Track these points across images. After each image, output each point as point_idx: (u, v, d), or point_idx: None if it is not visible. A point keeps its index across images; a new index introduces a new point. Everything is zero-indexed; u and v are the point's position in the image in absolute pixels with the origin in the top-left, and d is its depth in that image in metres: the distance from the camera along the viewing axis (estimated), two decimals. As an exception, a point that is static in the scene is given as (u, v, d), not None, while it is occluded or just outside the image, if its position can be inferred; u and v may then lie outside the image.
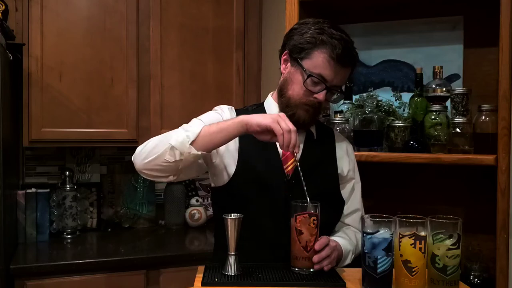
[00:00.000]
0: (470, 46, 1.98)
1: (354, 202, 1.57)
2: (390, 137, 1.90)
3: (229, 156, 1.44)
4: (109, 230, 2.69)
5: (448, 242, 1.16)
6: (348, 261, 1.46)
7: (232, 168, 1.44)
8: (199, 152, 1.30)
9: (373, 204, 1.79)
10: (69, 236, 2.52)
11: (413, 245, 1.17)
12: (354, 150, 1.69)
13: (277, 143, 1.32)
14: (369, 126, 1.88)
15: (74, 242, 2.47)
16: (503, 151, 1.62)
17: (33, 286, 2.07)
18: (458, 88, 1.88)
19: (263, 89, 2.78)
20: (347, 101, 2.06)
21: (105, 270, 2.17)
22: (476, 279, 1.81)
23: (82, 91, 2.43)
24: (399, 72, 2.12)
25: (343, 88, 1.61)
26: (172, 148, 1.30)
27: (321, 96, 1.39)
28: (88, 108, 2.44)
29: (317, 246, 1.29)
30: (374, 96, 1.94)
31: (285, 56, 1.47)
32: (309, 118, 1.44)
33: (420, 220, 1.18)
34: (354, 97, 2.07)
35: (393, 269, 1.20)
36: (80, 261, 2.14)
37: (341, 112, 2.00)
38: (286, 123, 1.25)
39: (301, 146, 1.49)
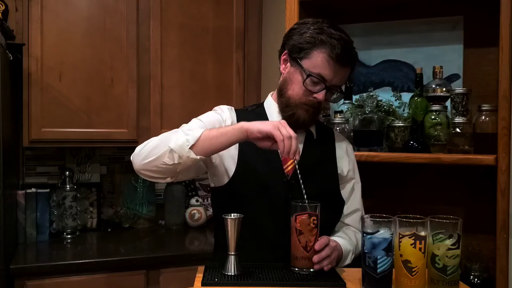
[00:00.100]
0: (470, 46, 1.98)
1: (354, 202, 1.57)
2: (390, 137, 1.90)
3: (229, 156, 1.44)
4: (109, 230, 2.69)
5: (448, 242, 1.16)
6: (348, 261, 1.46)
7: (232, 169, 1.43)
8: (198, 157, 1.30)
9: (373, 204, 1.79)
10: (69, 236, 2.52)
11: (413, 245, 1.17)
12: (354, 150, 1.69)
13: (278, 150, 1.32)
14: (369, 126, 1.88)
15: (74, 242, 2.47)
16: (503, 151, 1.62)
17: (33, 286, 2.07)
18: (458, 88, 1.88)
19: (263, 89, 2.78)
20: (347, 101, 2.06)
21: (105, 270, 2.17)
22: (476, 279, 1.81)
23: (82, 91, 2.43)
24: (399, 72, 2.12)
25: (343, 88, 1.61)
26: (171, 151, 1.29)
27: (320, 96, 1.39)
28: (88, 108, 2.44)
29: (317, 246, 1.29)
30: (374, 96, 1.94)
31: (284, 56, 1.47)
32: (309, 118, 1.44)
33: (420, 220, 1.18)
34: (354, 97, 2.07)
35: (393, 269, 1.20)
36: (80, 261, 2.14)
37: (341, 112, 2.00)
38: (286, 130, 1.25)
39: (301, 146, 1.49)
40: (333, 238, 1.43)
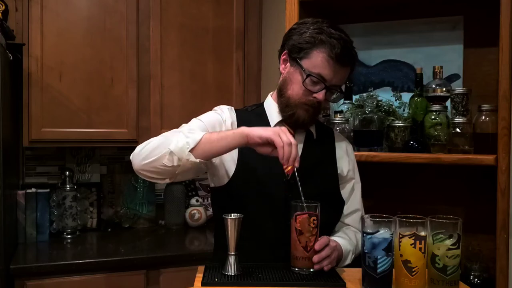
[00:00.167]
0: (470, 46, 1.98)
1: (354, 202, 1.57)
2: (390, 137, 1.90)
3: (229, 156, 1.44)
4: (109, 230, 2.69)
5: (448, 242, 1.16)
6: (348, 261, 1.46)
7: (232, 169, 1.43)
8: (198, 160, 1.30)
9: (373, 204, 1.79)
10: (69, 236, 2.52)
11: (413, 245, 1.17)
12: (354, 150, 1.69)
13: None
14: (369, 126, 1.88)
15: (74, 242, 2.47)
16: (503, 151, 1.62)
17: (33, 286, 2.07)
18: (458, 88, 1.88)
19: (263, 89, 2.78)
20: (347, 101, 2.07)
21: (105, 270, 2.17)
22: (476, 279, 1.81)
23: (82, 91, 2.43)
24: (399, 72, 2.12)
25: (343, 87, 1.61)
26: (171, 153, 1.29)
27: (320, 95, 1.39)
28: (88, 108, 2.44)
29: (317, 246, 1.29)
30: (374, 96, 1.94)
31: (284, 56, 1.47)
32: (309, 117, 1.44)
33: (420, 220, 1.18)
34: (354, 97, 2.07)
35: (393, 269, 1.20)
36: (80, 261, 2.14)
37: (341, 112, 2.00)
38: (287, 136, 1.25)
39: (301, 146, 1.49)
40: (333, 238, 1.43)
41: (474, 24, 1.96)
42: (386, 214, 1.20)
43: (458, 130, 1.78)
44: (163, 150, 1.30)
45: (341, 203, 1.53)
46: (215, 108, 1.54)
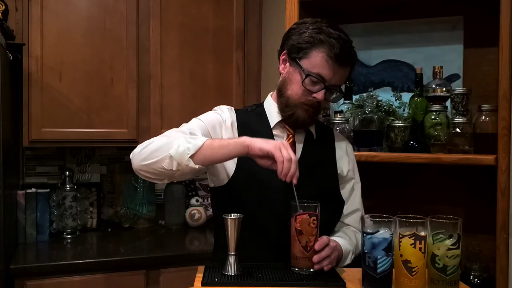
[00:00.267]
0: (470, 46, 1.98)
1: (354, 202, 1.57)
2: (390, 137, 1.90)
3: (229, 156, 1.44)
4: (109, 230, 2.69)
5: (448, 242, 1.16)
6: (348, 261, 1.46)
7: (232, 169, 1.43)
8: (197, 166, 1.30)
9: (373, 204, 1.79)
10: (69, 236, 2.52)
11: (413, 245, 1.17)
12: (354, 150, 1.69)
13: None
14: (369, 126, 1.88)
15: (74, 242, 2.47)
16: (503, 151, 1.62)
17: (33, 286, 2.07)
18: (458, 88, 1.88)
19: (263, 89, 2.78)
20: (347, 101, 2.07)
21: (105, 270, 2.17)
22: (476, 279, 1.81)
23: (82, 91, 2.43)
24: (399, 72, 2.12)
25: (343, 87, 1.61)
26: (171, 157, 1.29)
27: (320, 95, 1.39)
28: (88, 108, 2.44)
29: (317, 246, 1.29)
30: (374, 96, 1.94)
31: (283, 56, 1.47)
32: (309, 117, 1.44)
33: (420, 220, 1.18)
34: (354, 97, 2.07)
35: (393, 269, 1.20)
36: (80, 261, 2.14)
37: (341, 112, 2.00)
38: (288, 152, 1.24)
39: (301, 146, 1.49)
40: (333, 238, 1.43)
41: (474, 24, 1.96)
42: (386, 214, 1.20)
43: (458, 130, 1.78)
44: (163, 153, 1.30)
45: (341, 203, 1.53)
46: (215, 108, 1.54)
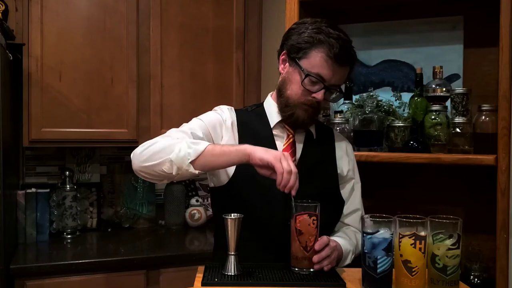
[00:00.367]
0: (470, 46, 1.98)
1: (354, 202, 1.57)
2: (390, 137, 1.90)
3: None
4: (109, 230, 2.69)
5: (448, 242, 1.16)
6: (348, 261, 1.46)
7: (232, 169, 1.43)
8: (197, 171, 1.30)
9: (373, 204, 1.79)
10: (69, 236, 2.52)
11: (413, 245, 1.17)
12: (354, 150, 1.69)
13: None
14: (369, 126, 1.88)
15: (74, 242, 2.47)
16: (503, 151, 1.62)
17: (33, 286, 2.07)
18: (458, 88, 1.88)
19: (263, 89, 2.78)
20: (347, 101, 2.07)
21: (105, 270, 2.17)
22: (476, 279, 1.81)
23: (82, 91, 2.43)
24: (399, 72, 2.12)
25: (343, 87, 1.61)
26: (171, 162, 1.29)
27: (319, 95, 1.39)
28: (88, 108, 2.44)
29: (317, 246, 1.29)
30: (374, 96, 1.94)
31: (283, 56, 1.47)
32: (308, 117, 1.44)
33: (420, 220, 1.18)
34: (354, 97, 2.07)
35: (393, 269, 1.20)
36: (80, 261, 2.14)
37: (341, 112, 2.00)
38: (288, 164, 1.24)
39: (301, 146, 1.49)
40: (333, 238, 1.43)
41: (474, 24, 1.96)
42: (386, 214, 1.20)
43: (458, 130, 1.78)
44: (163, 156, 1.30)
45: (341, 203, 1.53)
46: (215, 108, 1.54)
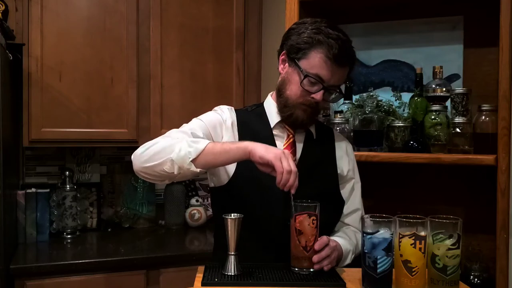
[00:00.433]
0: (470, 46, 1.98)
1: (354, 201, 1.57)
2: (390, 137, 1.90)
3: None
4: (109, 230, 2.69)
5: (448, 242, 1.16)
6: (348, 261, 1.46)
7: (232, 169, 1.43)
8: (198, 170, 1.30)
9: (373, 204, 1.79)
10: (69, 236, 2.52)
11: (413, 245, 1.17)
12: (354, 150, 1.69)
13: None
14: (369, 126, 1.88)
15: (74, 242, 2.47)
16: (503, 151, 1.62)
17: (33, 286, 2.07)
18: (458, 88, 1.88)
19: (263, 89, 2.78)
20: (347, 101, 2.07)
21: (105, 270, 2.17)
22: (476, 279, 1.81)
23: (82, 91, 2.43)
24: (399, 72, 2.12)
25: (343, 87, 1.61)
26: (172, 161, 1.29)
27: (318, 96, 1.39)
28: (88, 108, 2.44)
29: (317, 246, 1.29)
30: (374, 96, 1.94)
31: (283, 56, 1.47)
32: (307, 118, 1.44)
33: (420, 220, 1.18)
34: (354, 97, 2.07)
35: (393, 269, 1.20)
36: (80, 261, 2.14)
37: (341, 112, 2.00)
38: (288, 163, 1.24)
39: (301, 145, 1.49)
40: (333, 238, 1.43)
41: (474, 24, 1.96)
42: (386, 214, 1.20)
43: (458, 130, 1.78)
44: (164, 156, 1.30)
45: (341, 203, 1.53)
46: (215, 108, 1.54)
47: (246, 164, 1.41)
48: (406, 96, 1.97)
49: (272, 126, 1.49)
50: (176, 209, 2.79)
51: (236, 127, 1.48)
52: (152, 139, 1.39)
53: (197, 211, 2.79)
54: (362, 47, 2.11)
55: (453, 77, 2.00)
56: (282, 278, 1.26)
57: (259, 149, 1.27)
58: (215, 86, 2.68)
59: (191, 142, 1.32)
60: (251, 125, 1.49)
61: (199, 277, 1.26)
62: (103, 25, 2.46)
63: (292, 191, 1.26)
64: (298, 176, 1.26)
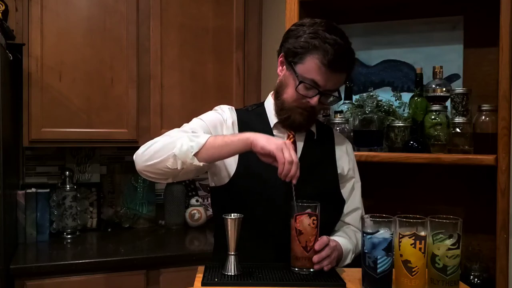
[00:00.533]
0: (470, 46, 1.98)
1: (354, 201, 1.57)
2: (390, 137, 1.90)
3: (230, 155, 1.44)
4: (109, 230, 2.69)
5: (448, 242, 1.16)
6: (348, 260, 1.46)
7: (232, 168, 1.44)
8: (201, 164, 1.30)
9: (373, 204, 1.79)
10: (69, 236, 2.52)
11: (413, 245, 1.17)
12: (354, 150, 1.69)
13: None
14: (369, 126, 1.88)
15: (74, 242, 2.47)
16: (503, 151, 1.62)
17: (33, 286, 2.07)
18: (458, 88, 1.88)
19: (263, 89, 2.78)
20: (347, 101, 2.07)
21: (105, 270, 2.17)
22: (476, 279, 1.81)
23: (82, 91, 2.43)
24: (399, 72, 2.12)
25: (343, 88, 1.61)
26: (175, 157, 1.29)
27: (314, 100, 1.38)
28: (88, 108, 2.44)
29: (317, 246, 1.29)
30: (374, 96, 1.94)
31: (281, 59, 1.47)
32: (304, 120, 1.44)
33: (420, 220, 1.18)
34: (354, 97, 2.07)
35: (393, 269, 1.20)
36: (80, 261, 2.14)
37: (341, 112, 2.00)
38: (289, 153, 1.24)
39: (301, 145, 1.49)
40: (333, 237, 1.43)
41: (474, 24, 1.96)
42: (386, 214, 1.20)
43: (458, 130, 1.78)
44: (166, 152, 1.30)
45: (341, 202, 1.53)
46: (216, 107, 1.54)
47: (247, 163, 1.42)
48: (406, 96, 1.97)
49: (272, 125, 1.49)
50: (176, 209, 2.79)
51: (237, 127, 1.48)
52: (152, 139, 1.39)
53: (197, 211, 2.79)
54: (362, 47, 2.11)
55: (453, 77, 2.00)
56: (282, 278, 1.26)
57: (261, 140, 1.27)
58: (215, 86, 2.68)
59: (192, 136, 1.32)
60: (252, 125, 1.49)
61: (199, 277, 1.26)
62: (103, 25, 2.46)
63: (294, 181, 1.26)
64: (298, 177, 1.26)
